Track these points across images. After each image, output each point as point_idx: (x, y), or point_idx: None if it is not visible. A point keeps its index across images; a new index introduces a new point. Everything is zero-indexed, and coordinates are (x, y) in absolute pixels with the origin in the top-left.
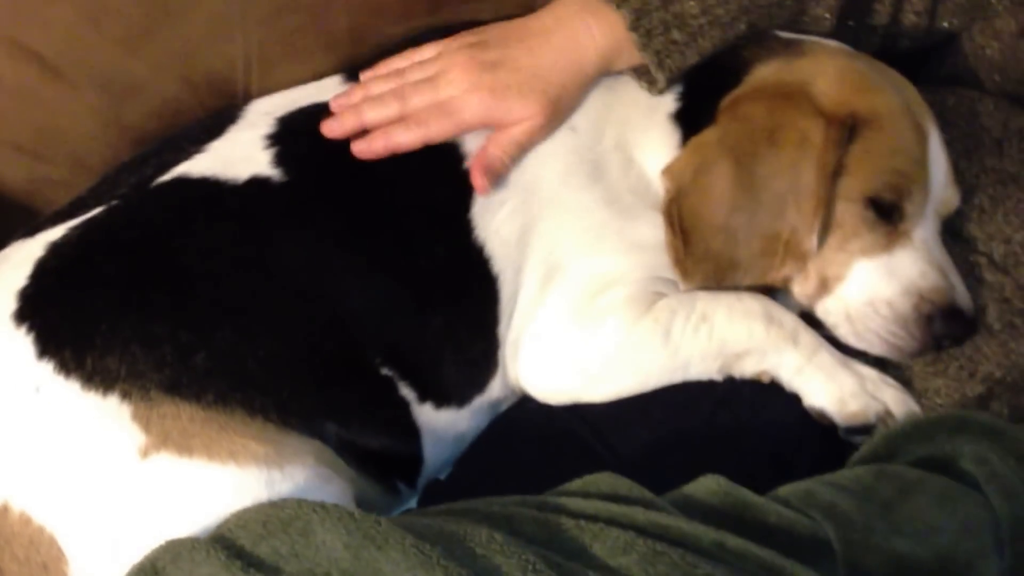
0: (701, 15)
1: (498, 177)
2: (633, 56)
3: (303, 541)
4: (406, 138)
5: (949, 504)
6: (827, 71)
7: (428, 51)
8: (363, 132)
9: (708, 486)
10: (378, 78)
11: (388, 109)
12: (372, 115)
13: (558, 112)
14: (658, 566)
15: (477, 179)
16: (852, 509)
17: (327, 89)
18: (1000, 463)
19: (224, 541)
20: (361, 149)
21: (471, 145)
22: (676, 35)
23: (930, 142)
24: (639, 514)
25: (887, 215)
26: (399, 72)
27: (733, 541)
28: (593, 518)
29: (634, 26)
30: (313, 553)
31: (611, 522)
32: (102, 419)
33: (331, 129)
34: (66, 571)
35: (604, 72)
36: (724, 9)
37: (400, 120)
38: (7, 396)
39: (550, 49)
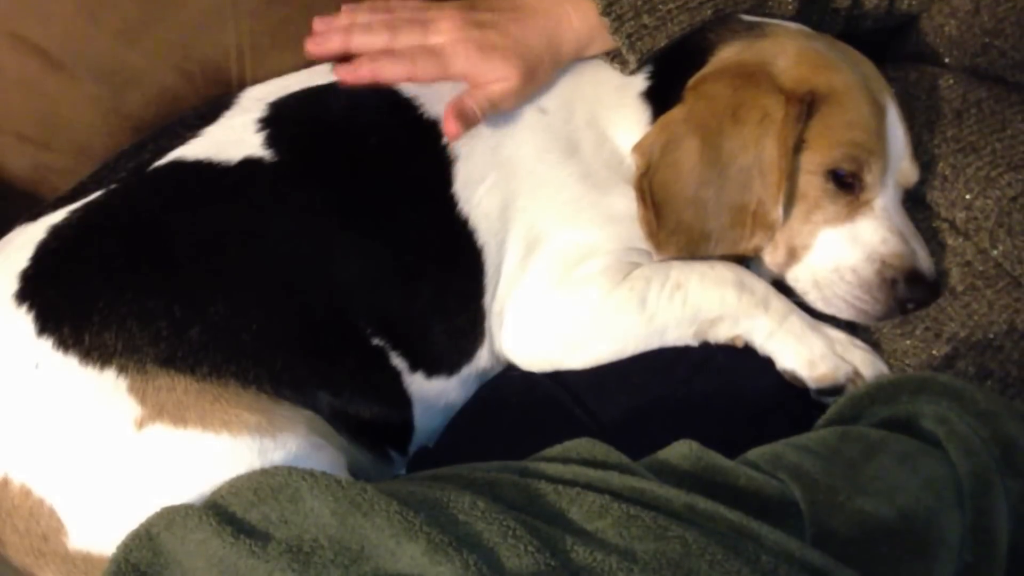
0: (670, 0)
1: (469, 126)
2: (606, 41)
3: (292, 508)
4: (392, 71)
5: (911, 463)
6: (787, 51)
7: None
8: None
9: (681, 451)
10: (367, 7)
11: (376, 37)
12: (360, 40)
13: (533, 82)
14: (632, 529)
15: (450, 124)
16: (818, 470)
17: (317, 76)
18: (959, 422)
19: (216, 508)
20: (345, 74)
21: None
22: (646, 19)
23: (888, 115)
24: (614, 478)
25: (848, 186)
26: (388, 8)
27: (704, 504)
28: (571, 483)
29: (606, 11)
30: (302, 519)
31: (588, 487)
32: (99, 393)
33: (315, 46)
34: (65, 541)
35: (578, 56)
36: None
37: (386, 49)
38: (7, 372)
39: (533, 26)
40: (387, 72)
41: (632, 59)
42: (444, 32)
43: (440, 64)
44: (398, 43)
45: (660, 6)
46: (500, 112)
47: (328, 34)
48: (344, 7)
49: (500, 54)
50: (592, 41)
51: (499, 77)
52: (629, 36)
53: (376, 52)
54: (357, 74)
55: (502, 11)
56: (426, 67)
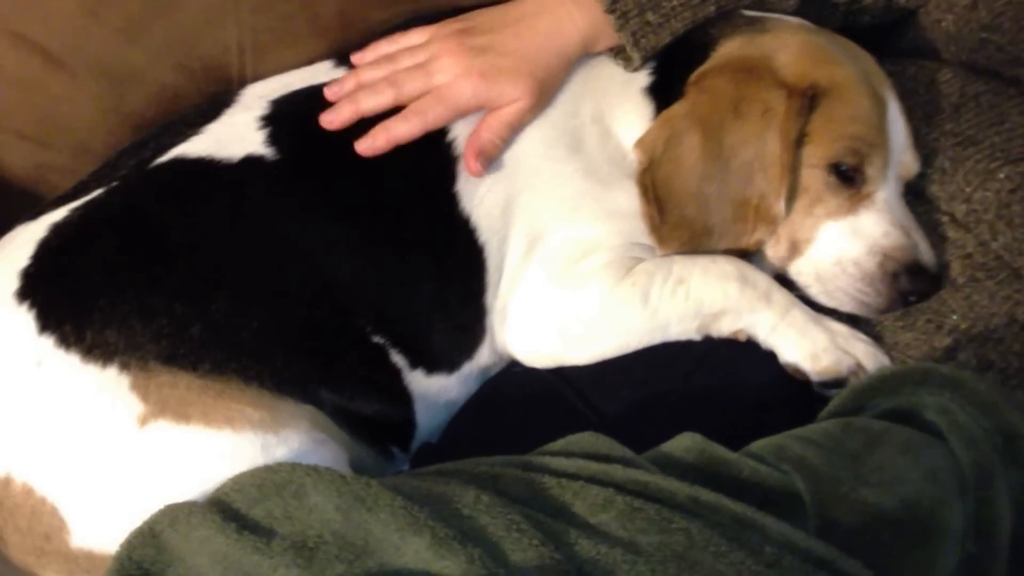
0: None
1: (491, 159)
2: (611, 37)
3: (296, 504)
4: (406, 129)
5: (913, 454)
6: (788, 45)
7: (416, 36)
8: (361, 126)
9: (684, 443)
10: (369, 66)
11: (383, 96)
12: (368, 104)
13: (545, 93)
14: (636, 522)
15: (471, 163)
16: (821, 462)
17: (319, 73)
18: (961, 413)
19: (220, 504)
20: (365, 147)
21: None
22: (650, 17)
23: (888, 109)
24: (618, 472)
25: (850, 179)
26: (390, 58)
27: (707, 496)
28: (574, 477)
29: (610, 9)
30: (306, 515)
31: (591, 480)
32: (101, 390)
33: (330, 121)
34: (68, 540)
35: (585, 53)
36: None
37: (394, 105)
38: (9, 371)
39: (535, 34)
40: (402, 133)
41: (636, 56)
42: (446, 69)
43: (449, 105)
44: (404, 95)
45: (664, 3)
46: (521, 129)
47: (339, 106)
48: (353, 61)
49: (506, 77)
50: (598, 37)
51: (511, 99)
52: (633, 34)
53: (385, 109)
54: (375, 146)
55: (502, 26)
56: (437, 114)
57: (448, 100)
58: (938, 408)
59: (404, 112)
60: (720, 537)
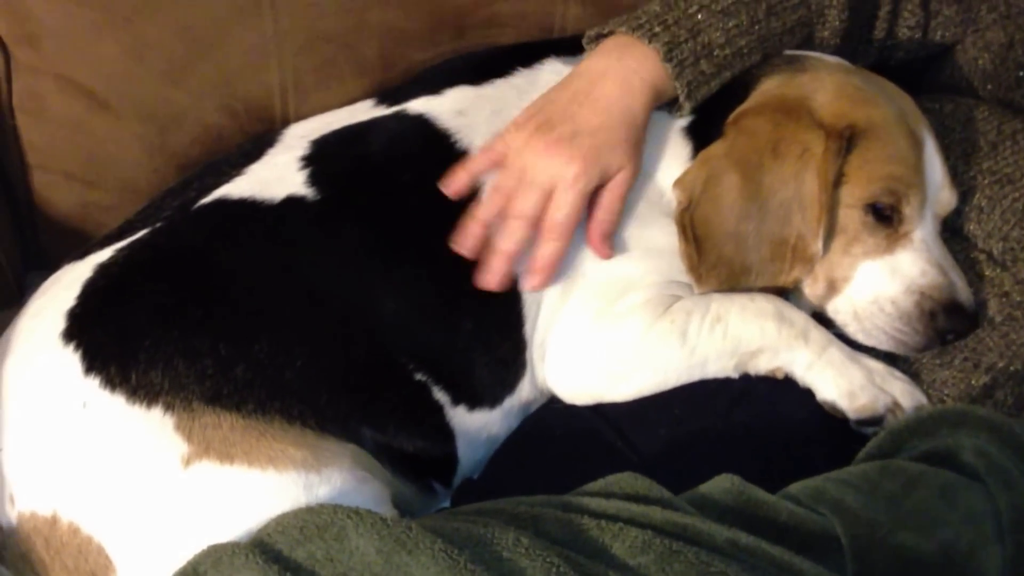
0: (726, 45)
1: (613, 235)
2: (673, 86)
3: (338, 546)
4: (552, 249)
5: (951, 496)
6: (826, 86)
7: (502, 148)
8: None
9: (722, 485)
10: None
11: (518, 236)
12: (505, 245)
13: (639, 150)
14: (674, 565)
15: (601, 249)
16: (859, 505)
17: (359, 112)
18: (999, 455)
19: (263, 546)
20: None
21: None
22: (704, 66)
23: (925, 149)
24: (656, 513)
25: (887, 219)
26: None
27: (746, 539)
28: (614, 518)
29: (668, 57)
30: (347, 558)
31: (630, 522)
32: (146, 431)
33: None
34: None
35: (654, 105)
36: (745, 40)
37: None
38: (56, 411)
39: (609, 102)
40: (549, 253)
41: (687, 106)
42: (562, 204)
43: (576, 205)
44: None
45: (716, 52)
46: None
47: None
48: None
49: (606, 152)
50: (663, 87)
51: (617, 168)
52: (689, 84)
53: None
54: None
55: (575, 107)
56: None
57: (574, 202)
58: (976, 450)
59: (543, 235)
60: None
